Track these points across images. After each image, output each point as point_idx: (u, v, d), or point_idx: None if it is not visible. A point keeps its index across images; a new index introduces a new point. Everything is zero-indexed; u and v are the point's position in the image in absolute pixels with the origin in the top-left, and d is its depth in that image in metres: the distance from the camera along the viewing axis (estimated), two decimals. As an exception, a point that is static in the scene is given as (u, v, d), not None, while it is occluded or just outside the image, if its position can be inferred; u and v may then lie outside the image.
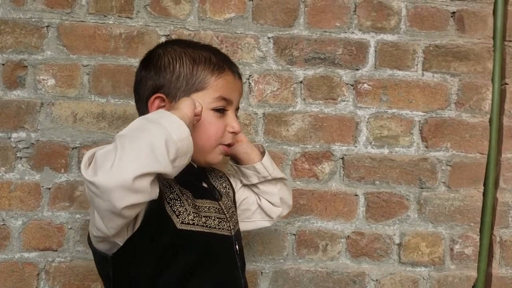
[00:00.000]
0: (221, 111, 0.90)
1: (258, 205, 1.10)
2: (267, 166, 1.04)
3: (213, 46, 0.99)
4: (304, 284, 1.37)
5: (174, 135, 0.70)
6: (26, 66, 1.31)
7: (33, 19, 1.32)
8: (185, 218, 0.82)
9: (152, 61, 0.91)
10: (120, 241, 0.77)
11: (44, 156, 1.31)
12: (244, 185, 1.10)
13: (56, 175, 1.31)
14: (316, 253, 1.38)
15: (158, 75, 0.88)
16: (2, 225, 1.30)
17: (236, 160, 1.05)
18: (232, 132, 0.92)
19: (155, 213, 0.78)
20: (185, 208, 0.83)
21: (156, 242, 0.79)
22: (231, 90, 0.91)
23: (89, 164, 0.67)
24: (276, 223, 1.35)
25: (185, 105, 0.79)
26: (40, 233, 1.30)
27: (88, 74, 1.33)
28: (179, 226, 0.81)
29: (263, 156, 1.05)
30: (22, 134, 1.31)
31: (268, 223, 1.12)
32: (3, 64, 1.31)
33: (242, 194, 1.09)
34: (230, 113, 0.92)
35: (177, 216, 0.81)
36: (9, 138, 1.30)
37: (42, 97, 1.32)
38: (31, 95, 1.31)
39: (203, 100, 0.85)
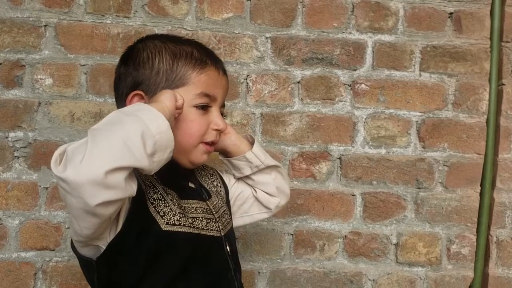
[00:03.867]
0: (204, 108, 0.85)
1: (254, 197, 1.05)
2: (258, 154, 0.99)
3: (197, 40, 0.95)
4: (301, 284, 1.37)
5: (152, 128, 0.66)
6: (24, 66, 1.31)
7: (31, 19, 1.32)
8: (170, 219, 0.78)
9: (131, 56, 0.87)
10: (103, 245, 0.73)
11: (41, 156, 1.31)
12: (238, 179, 1.05)
13: (54, 175, 1.31)
14: (313, 253, 1.38)
15: (137, 71, 0.84)
16: (-1, 224, 1.30)
17: (226, 153, 1.00)
18: (216, 130, 0.88)
19: (138, 215, 0.75)
20: (170, 209, 0.79)
21: (140, 245, 0.75)
22: (214, 86, 0.86)
23: (61, 160, 0.64)
24: (274, 221, 1.36)
25: (165, 98, 0.75)
26: (37, 233, 1.30)
27: (85, 74, 1.33)
28: (164, 227, 0.77)
29: (252, 146, 1.01)
30: (20, 134, 1.31)
31: (266, 214, 1.07)
32: (1, 64, 1.31)
33: (236, 189, 1.05)
34: (214, 110, 0.87)
35: (161, 217, 0.77)
36: (7, 137, 1.30)
37: (40, 97, 1.32)
38: (28, 95, 1.31)
39: (184, 96, 0.80)
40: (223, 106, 0.92)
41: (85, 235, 0.70)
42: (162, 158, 0.69)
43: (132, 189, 0.67)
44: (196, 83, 0.84)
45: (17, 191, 1.30)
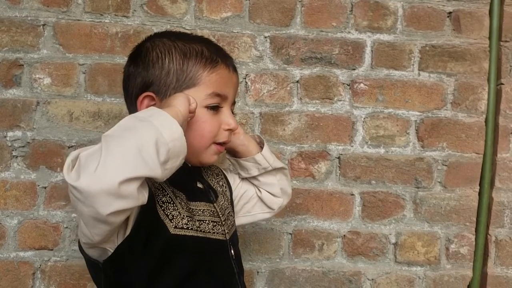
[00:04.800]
0: (215, 108, 0.84)
1: (258, 197, 1.05)
2: (267, 156, 1.00)
3: (206, 37, 0.93)
4: (300, 284, 1.37)
5: (166, 135, 0.65)
6: (22, 65, 1.31)
7: (29, 18, 1.31)
8: (178, 222, 0.78)
9: (140, 55, 0.85)
10: (111, 248, 0.73)
11: (40, 155, 1.30)
12: (243, 179, 1.05)
13: (52, 174, 1.31)
14: (312, 252, 1.38)
15: (147, 71, 0.82)
16: (-2, 224, 1.30)
17: (234, 153, 1.00)
18: (228, 130, 0.86)
19: (147, 218, 0.74)
20: (179, 212, 0.79)
21: (148, 249, 0.75)
22: (225, 85, 0.85)
23: (73, 167, 0.63)
24: (273, 220, 1.36)
25: (179, 102, 0.74)
26: (36, 232, 1.30)
27: (84, 73, 1.33)
28: (172, 231, 0.77)
29: (260, 147, 1.00)
30: (18, 133, 1.30)
31: (268, 215, 1.07)
32: (-1, 63, 1.31)
33: (241, 188, 1.05)
34: (225, 110, 0.86)
35: (170, 220, 0.77)
36: (5, 137, 1.30)
37: (38, 96, 1.31)
38: (27, 94, 1.31)
39: (196, 97, 0.78)
40: (233, 103, 0.91)
41: (95, 240, 0.70)
42: (174, 165, 0.68)
43: (144, 197, 0.66)
44: (207, 83, 0.82)
45: (15, 191, 1.30)
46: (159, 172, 0.65)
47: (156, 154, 0.64)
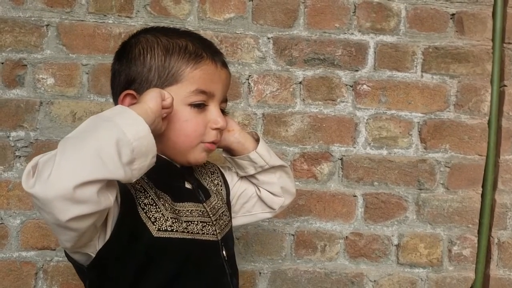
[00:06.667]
0: (200, 106, 0.79)
1: (258, 196, 1.01)
2: (263, 154, 0.94)
3: (195, 32, 0.90)
4: (303, 285, 1.37)
5: (129, 134, 0.61)
6: (26, 65, 1.31)
7: (33, 18, 1.32)
8: (162, 225, 0.74)
9: (124, 52, 0.82)
10: (92, 253, 0.70)
11: (43, 155, 1.30)
12: (242, 177, 1.01)
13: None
14: (314, 253, 1.38)
15: (129, 68, 0.79)
16: (0, 224, 1.30)
17: (229, 151, 0.95)
18: (216, 129, 0.82)
19: (127, 221, 0.71)
20: (162, 214, 0.75)
21: (130, 252, 0.72)
22: (211, 81, 0.80)
23: (33, 173, 0.59)
24: (275, 221, 1.36)
25: (150, 98, 0.70)
26: (38, 232, 1.30)
27: (87, 74, 1.33)
28: (155, 234, 0.73)
29: (258, 144, 0.95)
30: (21, 133, 1.31)
31: (269, 214, 1.03)
32: (2, 63, 1.31)
33: (240, 187, 1.00)
34: (212, 108, 0.81)
35: (153, 223, 0.74)
36: (8, 137, 1.30)
37: (41, 96, 1.32)
38: (30, 94, 1.31)
39: (178, 94, 0.75)
40: (225, 101, 0.87)
41: (68, 247, 0.67)
42: (143, 164, 0.65)
43: (108, 200, 0.62)
44: (190, 79, 0.78)
45: (18, 191, 1.30)
46: (121, 174, 0.61)
47: (117, 155, 0.60)
